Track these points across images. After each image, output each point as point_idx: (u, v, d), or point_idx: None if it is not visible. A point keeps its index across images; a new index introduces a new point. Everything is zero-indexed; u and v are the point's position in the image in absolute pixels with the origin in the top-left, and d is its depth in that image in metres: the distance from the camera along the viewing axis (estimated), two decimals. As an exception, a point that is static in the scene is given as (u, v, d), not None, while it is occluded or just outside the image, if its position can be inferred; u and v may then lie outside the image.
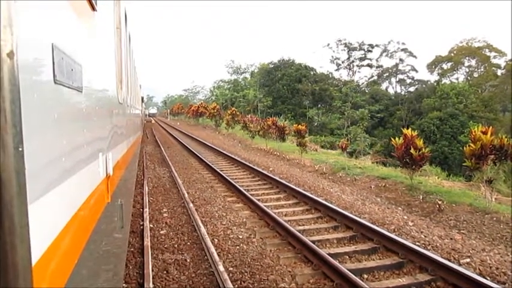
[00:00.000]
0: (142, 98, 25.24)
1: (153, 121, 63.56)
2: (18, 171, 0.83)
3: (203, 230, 6.95)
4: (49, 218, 1.11)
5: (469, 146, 9.03)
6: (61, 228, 1.22)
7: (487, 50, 63.72)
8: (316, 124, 60.59)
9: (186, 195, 9.79)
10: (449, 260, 5.67)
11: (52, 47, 1.18)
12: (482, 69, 65.10)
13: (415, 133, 10.95)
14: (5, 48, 0.79)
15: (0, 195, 0.79)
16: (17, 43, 0.82)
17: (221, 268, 5.27)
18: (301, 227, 7.30)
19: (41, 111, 1.08)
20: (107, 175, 2.41)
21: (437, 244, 6.52)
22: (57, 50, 1.22)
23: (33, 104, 0.98)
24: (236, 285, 5.13)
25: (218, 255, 5.86)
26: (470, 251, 6.22)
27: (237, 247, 6.46)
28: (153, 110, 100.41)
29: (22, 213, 0.84)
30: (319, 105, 66.32)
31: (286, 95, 65.51)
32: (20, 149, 0.83)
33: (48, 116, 1.16)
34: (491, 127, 9.13)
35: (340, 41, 72.45)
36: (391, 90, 73.04)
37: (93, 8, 2.11)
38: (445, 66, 68.44)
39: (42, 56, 1.10)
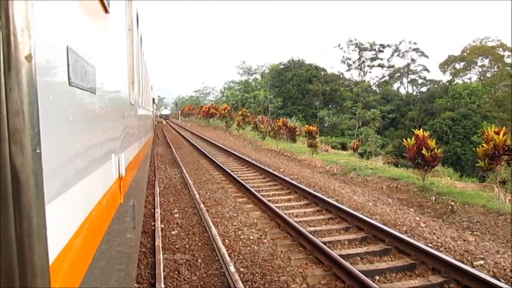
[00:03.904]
0: (153, 99, 25.37)
1: (164, 122, 63.31)
2: (36, 172, 0.84)
3: (214, 230, 6.96)
4: (64, 218, 1.12)
5: (482, 146, 8.92)
6: (76, 228, 1.23)
7: (500, 49, 62.74)
8: (327, 125, 60.22)
9: (197, 195, 9.83)
10: (463, 262, 5.61)
11: (67, 50, 1.19)
12: (495, 69, 64.14)
13: (427, 134, 10.85)
14: (23, 51, 0.81)
15: (18, 196, 0.80)
16: (34, 46, 0.84)
17: (232, 269, 5.28)
18: (312, 228, 7.28)
19: (57, 113, 1.10)
20: (119, 176, 2.42)
21: (450, 246, 6.46)
22: (71, 52, 1.23)
23: (49, 105, 0.99)
24: (247, 286, 5.14)
25: (229, 255, 5.87)
26: (484, 253, 6.15)
27: (248, 248, 6.47)
28: (166, 111, 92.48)
29: (40, 214, 0.85)
30: (329, 106, 65.92)
31: (297, 96, 65.30)
32: (38, 151, 0.85)
33: (64, 118, 1.17)
34: (504, 127, 9.00)
35: (351, 41, 72.04)
36: (402, 91, 72.34)
37: (106, 10, 2.13)
38: (457, 66, 67.51)
39: (57, 59, 1.12)
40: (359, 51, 72.26)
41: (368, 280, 4.84)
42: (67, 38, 1.22)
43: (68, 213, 1.16)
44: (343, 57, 73.79)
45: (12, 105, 0.80)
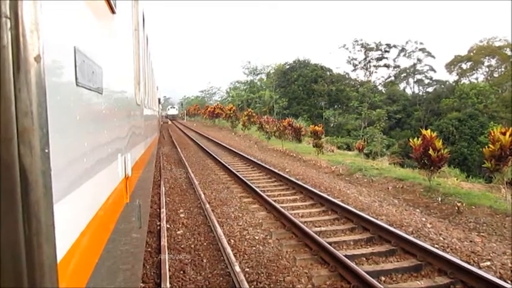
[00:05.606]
0: (159, 100, 25.41)
1: (169, 122, 63.21)
2: (45, 172, 0.85)
3: (219, 230, 6.97)
4: (72, 218, 1.13)
5: (488, 147, 8.87)
6: (83, 227, 1.24)
7: (507, 49, 62.25)
8: (332, 125, 60.11)
9: (203, 196, 9.84)
10: (469, 263, 5.58)
11: (74, 50, 1.20)
12: (502, 69, 63.67)
13: (434, 134, 10.79)
14: (32, 52, 0.82)
15: (27, 196, 0.81)
16: (43, 47, 0.84)
17: (237, 269, 5.28)
18: (317, 229, 7.27)
19: (65, 113, 1.10)
20: (125, 176, 2.43)
21: (457, 247, 6.42)
22: (79, 53, 1.24)
23: (57, 106, 1.00)
24: (252, 286, 5.14)
25: (234, 255, 5.88)
26: (491, 254, 6.11)
27: (253, 248, 6.47)
28: (173, 111, 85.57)
29: (48, 214, 0.86)
30: (335, 106, 65.80)
31: (302, 96, 65.20)
32: (46, 151, 0.85)
33: (71, 118, 1.18)
34: (511, 128, 8.93)
35: (356, 41, 71.79)
36: (408, 91, 72.06)
37: (113, 11, 2.14)
38: (464, 66, 67.12)
39: (65, 59, 1.13)
40: (365, 52, 72.02)
41: (373, 281, 4.82)
42: (74, 39, 1.23)
43: (75, 212, 1.17)
44: (349, 57, 73.63)
45: (21, 106, 0.80)
